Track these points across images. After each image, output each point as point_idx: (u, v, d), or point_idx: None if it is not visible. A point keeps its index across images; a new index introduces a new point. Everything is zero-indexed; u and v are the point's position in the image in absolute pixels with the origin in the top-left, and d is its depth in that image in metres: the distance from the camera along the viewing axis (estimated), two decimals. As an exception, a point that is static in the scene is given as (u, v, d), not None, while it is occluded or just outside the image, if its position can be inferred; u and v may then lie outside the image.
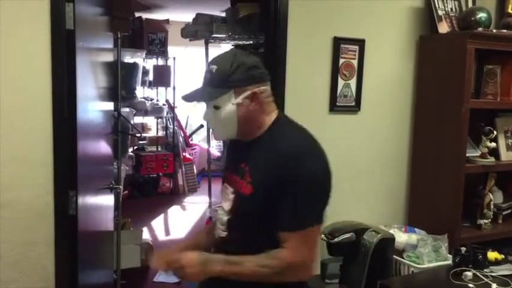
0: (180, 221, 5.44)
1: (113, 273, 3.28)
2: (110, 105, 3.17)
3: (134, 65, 4.69)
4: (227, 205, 1.56)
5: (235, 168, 1.55)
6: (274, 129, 1.52)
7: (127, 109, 4.08)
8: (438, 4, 2.77)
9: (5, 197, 1.96)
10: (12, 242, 2.01)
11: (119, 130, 3.24)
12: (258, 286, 1.44)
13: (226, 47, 3.61)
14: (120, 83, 3.24)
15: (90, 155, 2.53)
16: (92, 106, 2.58)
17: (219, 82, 1.47)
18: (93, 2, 2.52)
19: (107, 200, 3.01)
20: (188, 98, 1.55)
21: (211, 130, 1.58)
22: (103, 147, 2.91)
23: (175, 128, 6.72)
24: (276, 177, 1.42)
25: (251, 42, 3.14)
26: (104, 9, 2.78)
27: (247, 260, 1.43)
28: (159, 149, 6.83)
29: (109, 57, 3.14)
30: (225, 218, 1.57)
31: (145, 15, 5.50)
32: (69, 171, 2.10)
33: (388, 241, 2.33)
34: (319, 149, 1.51)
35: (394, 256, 2.43)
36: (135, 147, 6.48)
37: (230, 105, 1.47)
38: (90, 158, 2.49)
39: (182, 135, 6.93)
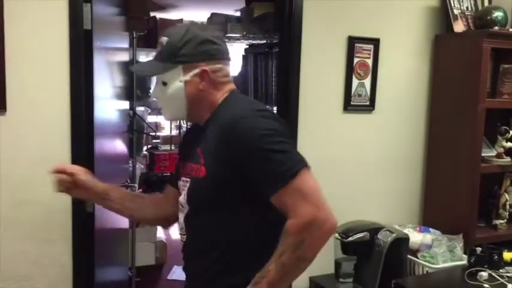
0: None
1: (128, 271, 3.32)
2: (125, 104, 3.21)
3: (149, 65, 4.72)
4: (183, 198, 1.42)
5: (191, 156, 1.40)
6: (222, 107, 1.38)
7: (142, 108, 4.11)
8: (454, 3, 2.76)
9: (26, 194, 2.00)
10: (32, 238, 2.04)
11: (134, 129, 3.27)
12: None
13: (240, 46, 3.62)
14: (135, 83, 3.28)
15: (107, 153, 2.56)
16: (108, 105, 2.61)
17: (167, 56, 1.34)
18: (110, 2, 2.55)
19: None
20: (136, 70, 1.45)
21: (162, 114, 1.46)
22: (119, 145, 2.95)
23: (188, 127, 6.75)
24: (226, 152, 1.28)
25: (265, 41, 3.15)
26: (120, 9, 2.81)
27: (267, 265, 1.25)
28: (173, 147, 6.86)
29: (125, 57, 3.18)
30: (182, 216, 1.43)
31: (159, 15, 5.53)
32: (86, 169, 2.13)
33: (403, 241, 2.33)
34: (265, 108, 1.37)
35: (409, 256, 2.42)
36: (149, 146, 6.53)
37: (178, 82, 1.35)
38: (106, 156, 2.53)
39: (196, 134, 6.95)
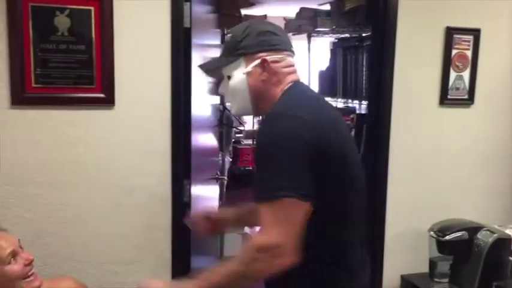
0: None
1: (217, 260, 3.42)
2: (216, 99, 3.31)
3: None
4: None
5: None
6: (278, 100, 1.35)
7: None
8: None
9: (132, 182, 2.13)
10: (136, 225, 2.17)
11: (224, 123, 3.37)
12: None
13: (325, 40, 3.60)
14: (225, 78, 3.36)
15: (201, 146, 2.66)
16: (202, 100, 2.71)
17: (229, 50, 1.38)
18: (207, 1, 2.63)
19: (213, 189, 3.15)
20: (202, 67, 1.48)
21: (230, 108, 1.50)
22: (210, 139, 3.05)
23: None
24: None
25: (355, 35, 3.10)
26: (215, 7, 2.89)
27: (217, 268, 1.29)
28: (255, 142, 6.96)
29: (216, 53, 3.27)
30: None
31: (243, 12, 5.64)
32: (184, 162, 2.23)
33: (505, 241, 2.22)
34: (299, 114, 1.25)
35: (511, 258, 2.29)
36: (233, 140, 6.69)
37: (240, 74, 1.36)
38: (200, 149, 2.62)
39: (278, 129, 7.01)
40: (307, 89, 1.47)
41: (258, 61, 1.35)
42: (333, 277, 1.33)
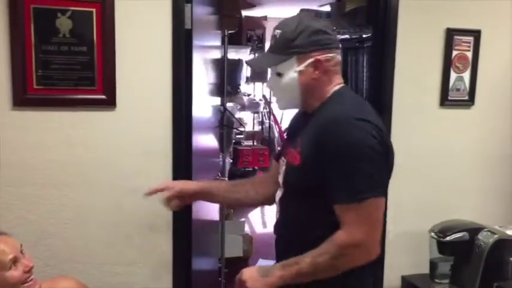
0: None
1: (218, 261, 3.43)
2: (217, 100, 3.31)
3: (239, 62, 4.84)
4: (280, 178, 1.50)
5: (293, 141, 1.47)
6: (331, 100, 1.40)
7: (231, 104, 4.22)
8: None
9: (134, 183, 2.13)
10: (138, 225, 2.17)
11: (224, 124, 3.37)
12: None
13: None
14: (226, 79, 3.37)
15: (202, 147, 2.66)
16: (203, 101, 2.71)
17: (281, 48, 1.38)
18: (207, 2, 2.64)
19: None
20: (252, 63, 1.50)
21: (276, 104, 1.54)
22: (211, 140, 3.05)
23: (271, 123, 6.82)
24: (319, 146, 1.32)
25: (356, 36, 3.10)
26: (215, 8, 2.90)
27: (304, 256, 1.32)
28: (255, 143, 6.97)
29: (217, 55, 3.27)
30: (279, 195, 1.51)
31: (244, 13, 5.64)
32: (185, 162, 2.23)
33: (506, 242, 2.22)
34: (368, 118, 1.32)
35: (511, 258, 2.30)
36: (233, 142, 6.68)
37: (292, 72, 1.38)
38: (201, 150, 2.63)
39: (278, 130, 7.02)
40: (354, 93, 1.55)
41: (311, 60, 1.37)
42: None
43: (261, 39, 6.00)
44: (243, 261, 3.97)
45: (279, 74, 1.41)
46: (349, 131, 1.29)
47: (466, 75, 2.55)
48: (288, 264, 1.34)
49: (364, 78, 2.94)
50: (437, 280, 2.39)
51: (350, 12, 2.92)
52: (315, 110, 1.43)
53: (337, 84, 1.44)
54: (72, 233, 2.12)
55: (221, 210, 3.41)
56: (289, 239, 1.49)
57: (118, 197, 2.14)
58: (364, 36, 2.99)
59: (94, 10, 1.99)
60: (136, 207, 2.17)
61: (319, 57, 1.37)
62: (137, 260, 2.21)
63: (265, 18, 6.06)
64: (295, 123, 1.59)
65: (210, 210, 3.06)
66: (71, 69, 2.01)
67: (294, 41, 1.36)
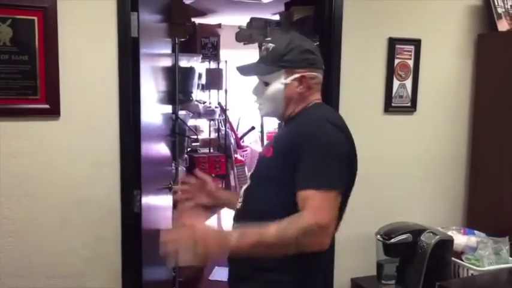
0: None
1: (172, 271, 3.40)
2: (168, 108, 3.30)
3: (191, 69, 4.84)
4: (251, 171, 1.63)
5: (268, 143, 1.62)
6: (310, 109, 1.55)
7: (183, 112, 4.21)
8: (497, 1, 2.71)
9: (81, 194, 2.10)
10: (85, 237, 2.13)
11: (176, 132, 3.36)
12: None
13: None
14: (177, 87, 3.36)
15: (152, 156, 2.64)
16: (153, 109, 2.70)
17: (272, 60, 1.52)
18: (155, 10, 2.63)
19: (167, 199, 3.13)
20: (242, 70, 1.59)
21: (258, 110, 1.63)
22: (162, 148, 3.03)
23: (227, 130, 6.84)
24: (294, 138, 1.44)
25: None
26: (164, 16, 2.89)
27: (266, 226, 1.31)
28: (211, 150, 6.97)
29: (167, 62, 3.27)
30: (244, 188, 1.60)
31: (198, 20, 5.65)
32: (134, 172, 2.21)
33: (447, 243, 2.30)
34: (341, 128, 1.48)
35: (453, 258, 2.39)
36: (189, 149, 6.64)
37: (279, 83, 1.52)
38: (151, 159, 2.61)
39: (234, 137, 7.04)
40: (326, 105, 1.67)
41: (297, 75, 1.51)
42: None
43: (216, 47, 6.02)
44: (198, 270, 3.95)
45: (266, 83, 1.54)
46: (324, 128, 1.42)
47: (408, 83, 2.66)
48: (247, 229, 1.33)
49: (313, 86, 3.01)
50: (384, 281, 2.46)
51: (298, 21, 2.99)
52: (293, 117, 1.56)
53: (316, 99, 1.58)
54: (16, 246, 2.06)
55: (173, 219, 3.39)
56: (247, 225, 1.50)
57: (63, 208, 2.10)
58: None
59: (36, 18, 1.96)
60: (84, 218, 2.13)
61: (305, 73, 1.51)
62: (85, 272, 2.17)
63: (219, 25, 6.09)
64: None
65: (162, 219, 3.03)
66: (12, 78, 1.96)
67: (284, 56, 1.50)
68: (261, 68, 1.55)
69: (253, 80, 1.62)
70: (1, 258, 2.04)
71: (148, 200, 2.43)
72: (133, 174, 2.21)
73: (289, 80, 1.51)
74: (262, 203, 1.51)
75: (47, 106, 2.02)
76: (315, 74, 1.55)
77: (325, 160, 1.38)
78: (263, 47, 1.57)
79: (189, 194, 1.79)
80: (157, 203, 2.82)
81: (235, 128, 7.28)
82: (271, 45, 1.53)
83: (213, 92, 6.99)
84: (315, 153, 1.39)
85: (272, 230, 1.31)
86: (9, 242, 2.05)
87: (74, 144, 2.09)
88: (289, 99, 1.53)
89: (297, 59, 1.51)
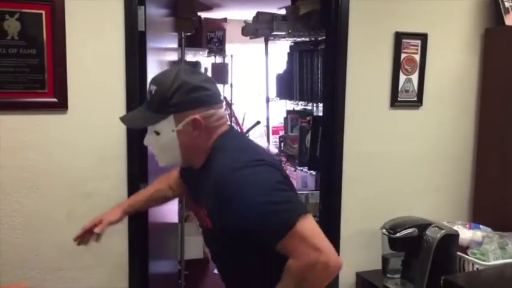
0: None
1: (178, 264, 3.42)
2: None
3: (197, 64, 4.84)
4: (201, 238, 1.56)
5: (196, 198, 1.46)
6: (214, 152, 1.36)
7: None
8: (505, -5, 2.70)
9: (88, 187, 2.12)
10: (92, 230, 2.15)
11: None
12: None
13: (285, 44, 3.65)
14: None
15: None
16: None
17: (157, 106, 1.31)
18: (161, 4, 2.64)
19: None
20: (127, 121, 1.43)
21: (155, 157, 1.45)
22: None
23: (233, 124, 6.85)
24: (222, 208, 1.26)
25: (312, 39, 3.17)
26: (170, 11, 2.90)
27: None
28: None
29: (174, 57, 3.27)
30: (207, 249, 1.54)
31: (204, 15, 5.64)
32: (140, 165, 2.22)
33: (452, 237, 2.31)
34: (255, 158, 1.29)
35: (458, 253, 2.40)
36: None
37: (170, 131, 1.32)
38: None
39: (239, 131, 7.05)
40: (238, 134, 1.52)
41: (189, 119, 1.31)
42: None
43: (221, 41, 6.02)
44: (203, 263, 3.97)
45: (157, 133, 1.35)
46: (242, 180, 1.23)
47: (415, 77, 2.65)
48: None
49: (319, 80, 3.01)
50: (389, 275, 2.47)
51: (304, 15, 2.98)
52: (201, 166, 1.39)
53: (218, 135, 1.37)
54: (24, 238, 2.08)
55: (180, 212, 3.41)
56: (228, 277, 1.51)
57: (71, 201, 2.12)
58: (319, 39, 3.06)
59: (43, 12, 1.97)
60: (91, 211, 2.12)
61: (197, 116, 1.31)
62: (92, 264, 2.19)
63: (225, 20, 6.08)
64: (189, 176, 1.54)
65: (168, 213, 3.05)
66: (20, 71, 1.98)
67: (170, 99, 1.30)
68: (147, 117, 1.34)
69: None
70: (9, 250, 2.07)
71: (155, 193, 2.44)
72: (140, 167, 2.22)
73: (180, 126, 1.31)
74: (235, 270, 1.44)
75: (55, 100, 2.03)
76: (211, 111, 1.33)
77: (266, 206, 1.21)
78: (148, 89, 1.37)
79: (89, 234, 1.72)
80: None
81: (240, 122, 7.28)
82: (153, 88, 1.32)
83: (219, 86, 6.98)
84: (251, 209, 1.21)
85: None
86: (17, 234, 2.07)
87: (82, 137, 2.11)
88: (186, 146, 1.34)
89: (184, 100, 1.29)
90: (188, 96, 1.30)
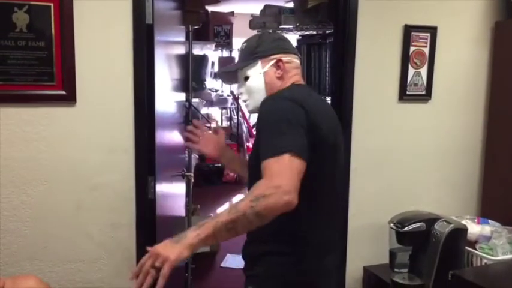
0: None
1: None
2: (182, 96, 3.30)
3: (204, 57, 4.84)
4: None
5: None
6: (280, 91, 1.56)
7: (197, 100, 4.22)
8: (516, -12, 2.67)
9: (96, 180, 2.12)
10: (100, 222, 2.16)
11: (190, 120, 3.36)
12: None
13: (293, 37, 3.63)
14: (191, 75, 3.36)
15: (166, 143, 2.66)
16: (167, 97, 2.71)
17: (246, 55, 1.61)
18: (169, -3, 2.63)
19: (179, 187, 3.16)
20: (221, 71, 1.68)
21: (245, 107, 1.73)
22: (176, 136, 3.05)
23: (240, 118, 6.84)
24: (257, 124, 1.48)
25: (319, 32, 3.15)
26: (178, 4, 2.89)
27: (224, 210, 1.29)
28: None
29: (181, 50, 3.27)
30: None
31: (211, 8, 5.63)
32: (148, 158, 2.23)
33: (461, 231, 2.30)
34: (298, 100, 1.43)
35: (466, 247, 2.39)
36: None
37: (258, 74, 1.58)
38: (165, 146, 2.62)
39: (246, 125, 7.05)
40: (307, 87, 1.68)
41: (273, 61, 1.57)
42: (296, 255, 1.48)
43: (228, 35, 6.01)
44: (210, 256, 3.99)
45: (246, 78, 1.61)
46: (273, 103, 1.46)
47: (424, 71, 2.63)
48: (203, 222, 1.27)
49: (327, 74, 3.00)
50: (396, 269, 2.46)
51: (312, 8, 2.96)
52: None
53: (296, 81, 1.60)
54: (32, 230, 2.09)
55: (187, 205, 3.42)
56: None
57: (79, 194, 2.12)
58: (327, 32, 3.05)
59: (52, 4, 1.97)
60: (99, 204, 2.16)
61: (280, 58, 1.57)
62: (100, 257, 2.20)
63: (232, 14, 6.07)
64: None
65: (176, 206, 3.06)
66: (29, 64, 1.98)
67: (257, 48, 1.59)
68: (238, 64, 1.64)
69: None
70: (18, 242, 2.08)
71: (162, 186, 2.45)
72: (148, 161, 2.22)
73: (266, 68, 1.58)
74: None
75: (63, 92, 2.03)
76: (290, 57, 1.60)
77: (276, 129, 1.37)
78: (239, 49, 1.66)
79: (196, 138, 1.92)
80: (171, 190, 2.84)
81: (247, 116, 7.28)
82: (244, 44, 1.64)
83: (226, 80, 6.98)
84: (264, 126, 1.42)
85: (225, 210, 1.27)
86: (26, 226, 2.08)
87: (90, 130, 2.11)
88: (270, 86, 1.58)
89: (269, 46, 1.58)
90: (271, 44, 1.59)
